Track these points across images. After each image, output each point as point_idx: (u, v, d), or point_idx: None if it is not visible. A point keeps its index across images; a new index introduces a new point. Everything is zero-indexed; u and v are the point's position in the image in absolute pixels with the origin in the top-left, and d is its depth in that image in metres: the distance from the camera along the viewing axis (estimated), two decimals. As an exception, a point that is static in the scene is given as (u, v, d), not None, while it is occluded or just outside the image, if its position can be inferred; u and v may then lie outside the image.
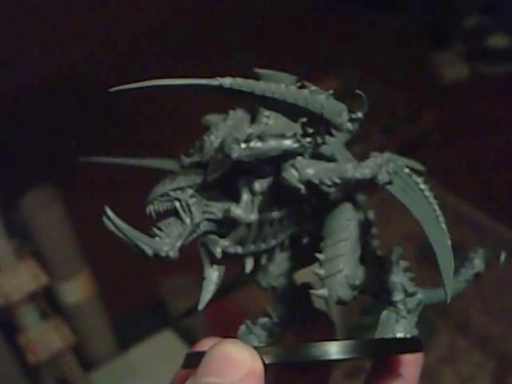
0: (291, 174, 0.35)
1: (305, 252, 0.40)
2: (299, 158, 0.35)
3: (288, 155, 0.35)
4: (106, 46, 2.26)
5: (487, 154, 1.80)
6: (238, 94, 0.31)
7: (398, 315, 0.38)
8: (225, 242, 0.37)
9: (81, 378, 1.13)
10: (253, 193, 0.36)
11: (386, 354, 0.36)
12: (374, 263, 0.39)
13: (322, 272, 0.37)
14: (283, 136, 0.35)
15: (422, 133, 1.87)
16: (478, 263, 0.43)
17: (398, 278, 0.38)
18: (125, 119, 2.06)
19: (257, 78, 0.35)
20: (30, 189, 1.15)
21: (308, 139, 0.35)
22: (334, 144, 0.38)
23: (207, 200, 0.36)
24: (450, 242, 0.33)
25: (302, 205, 0.38)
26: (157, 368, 1.21)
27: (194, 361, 0.32)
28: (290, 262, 0.40)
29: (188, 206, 0.36)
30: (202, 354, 0.32)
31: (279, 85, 0.32)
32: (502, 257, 0.43)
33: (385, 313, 0.38)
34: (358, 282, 0.37)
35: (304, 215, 0.39)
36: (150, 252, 0.34)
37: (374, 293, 0.39)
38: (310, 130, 0.35)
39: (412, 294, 0.39)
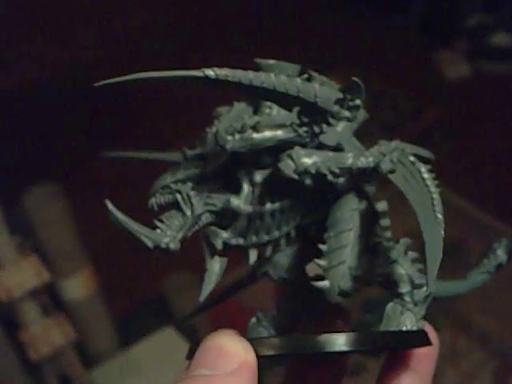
0: (287, 165, 0.34)
1: (314, 243, 0.39)
2: (297, 148, 0.35)
3: (286, 145, 0.35)
4: (107, 44, 2.26)
5: (489, 152, 1.80)
6: (224, 84, 0.31)
7: (403, 307, 0.37)
8: (226, 234, 0.36)
9: (82, 374, 1.13)
10: (253, 184, 0.36)
11: (387, 347, 0.36)
12: (382, 254, 0.38)
13: (324, 263, 0.37)
14: (281, 126, 0.35)
15: (424, 131, 1.87)
16: (500, 254, 0.43)
17: (405, 269, 0.38)
18: (126, 117, 2.06)
19: (259, 68, 0.35)
20: (32, 185, 1.15)
21: (304, 128, 0.35)
22: (341, 133, 0.38)
23: (209, 192, 0.36)
24: (442, 233, 0.32)
25: (305, 196, 0.38)
26: (158, 365, 1.21)
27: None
28: (300, 253, 0.40)
29: (189, 197, 0.36)
30: None
31: (269, 74, 0.32)
32: None
33: (390, 305, 0.38)
34: (361, 274, 0.37)
35: (310, 206, 0.38)
36: (150, 244, 0.34)
37: (382, 284, 0.39)
38: (306, 120, 0.34)
39: (420, 286, 0.38)
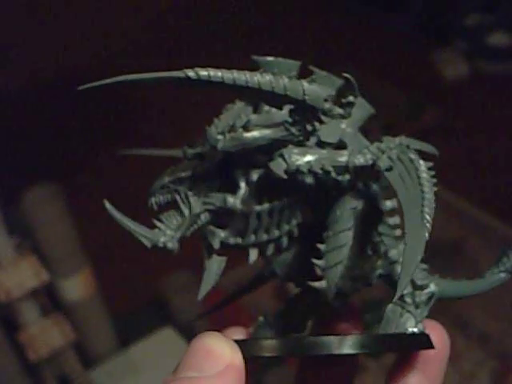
0: (278, 164, 0.34)
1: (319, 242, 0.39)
2: (290, 147, 0.35)
3: (280, 144, 0.35)
4: (107, 44, 2.26)
5: (489, 153, 1.80)
6: (207, 84, 0.30)
7: (403, 309, 0.37)
8: (224, 233, 0.36)
9: (81, 375, 1.13)
10: (250, 183, 0.36)
11: (385, 350, 0.36)
12: (382, 255, 0.38)
13: (321, 263, 0.36)
14: (273, 125, 0.34)
15: (423, 131, 1.87)
16: None
17: None
18: (127, 117, 2.06)
19: (256, 65, 0.35)
20: (30, 185, 1.15)
21: (297, 127, 0.34)
22: (344, 130, 0.37)
23: (207, 191, 0.36)
24: (427, 236, 0.31)
25: (306, 194, 0.37)
26: (157, 365, 1.21)
27: None
28: (306, 252, 0.39)
29: (187, 197, 0.35)
30: None
31: (254, 73, 0.31)
32: None
33: (390, 306, 0.37)
34: (360, 274, 0.36)
35: (313, 204, 0.38)
36: (148, 243, 0.34)
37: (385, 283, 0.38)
38: (297, 118, 0.34)
39: (422, 287, 0.38)
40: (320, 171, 0.34)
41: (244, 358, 0.31)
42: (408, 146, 0.35)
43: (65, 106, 2.03)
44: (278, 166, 0.34)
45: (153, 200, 0.37)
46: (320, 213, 0.38)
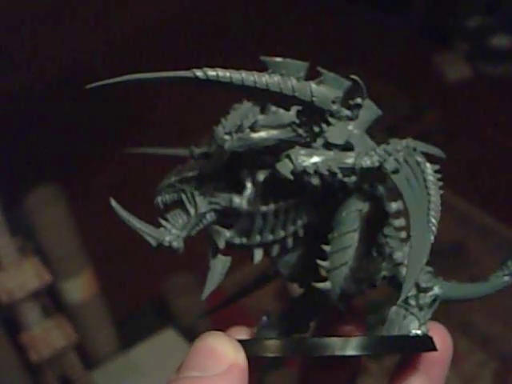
0: (284, 165, 0.34)
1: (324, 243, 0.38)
2: (297, 148, 0.35)
3: (287, 145, 0.35)
4: (107, 44, 2.26)
5: (490, 154, 1.80)
6: (215, 84, 0.31)
7: (407, 311, 0.37)
8: (229, 233, 0.36)
9: (83, 376, 1.13)
10: (256, 183, 0.36)
11: (388, 352, 0.36)
12: (387, 257, 0.38)
13: (326, 264, 0.36)
14: (280, 126, 0.35)
15: (424, 132, 1.87)
16: None
17: None
18: (128, 118, 2.06)
19: (264, 66, 0.35)
20: (33, 187, 1.15)
21: (304, 128, 0.34)
22: (351, 132, 0.37)
23: (213, 191, 0.36)
24: (432, 239, 0.31)
25: (313, 195, 0.37)
26: (159, 367, 1.21)
27: None
28: (311, 253, 0.39)
29: (193, 196, 0.36)
30: None
31: (262, 73, 0.31)
32: None
33: (394, 308, 0.37)
34: (364, 276, 0.36)
35: (319, 206, 0.38)
36: (153, 242, 0.34)
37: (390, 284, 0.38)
38: (305, 119, 0.34)
39: (426, 290, 0.38)
40: (326, 173, 0.34)
41: (247, 357, 0.31)
42: (415, 149, 0.35)
43: (67, 108, 2.03)
44: (285, 167, 0.34)
45: (159, 199, 0.37)
46: (326, 214, 0.38)
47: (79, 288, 1.21)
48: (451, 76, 2.12)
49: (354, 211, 0.37)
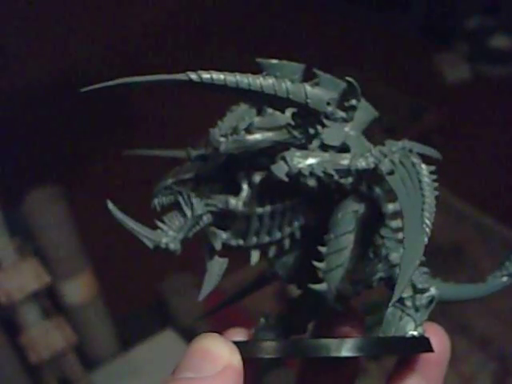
0: (279, 167, 0.34)
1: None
2: (292, 150, 0.35)
3: (282, 147, 0.35)
4: (107, 45, 2.26)
5: (489, 155, 1.80)
6: (209, 87, 0.31)
7: (403, 312, 0.37)
8: (225, 235, 0.36)
9: (82, 377, 1.13)
10: (252, 185, 0.36)
11: (384, 353, 0.36)
12: (383, 258, 0.38)
13: (322, 265, 0.36)
14: (276, 128, 0.35)
15: (423, 133, 1.87)
16: None
17: None
18: (128, 119, 2.06)
19: (260, 68, 0.35)
20: (32, 187, 1.15)
21: (299, 130, 0.34)
22: (347, 133, 0.37)
23: (210, 192, 0.36)
24: (425, 240, 0.31)
25: (309, 196, 0.37)
26: (158, 367, 1.21)
27: None
28: (308, 254, 0.39)
29: (189, 198, 0.36)
30: None
31: (256, 76, 0.32)
32: None
33: (390, 309, 0.37)
34: (361, 277, 0.36)
35: (315, 207, 0.38)
36: (150, 244, 0.34)
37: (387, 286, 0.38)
38: (300, 121, 0.34)
39: (422, 291, 0.38)
40: (322, 174, 0.35)
41: (243, 359, 0.31)
42: (411, 150, 0.35)
43: (67, 108, 2.03)
44: (280, 169, 0.34)
45: (156, 201, 0.37)
46: (322, 215, 0.38)
47: (78, 289, 1.21)
48: (451, 76, 2.12)
49: (350, 212, 0.37)
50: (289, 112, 0.34)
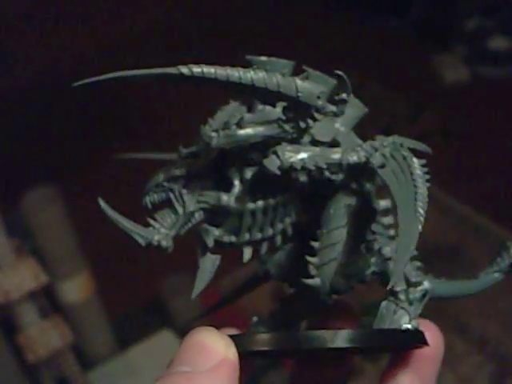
0: (272, 161, 0.34)
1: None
2: (283, 144, 0.35)
3: (273, 141, 0.35)
4: (107, 45, 2.26)
5: (488, 157, 1.80)
6: (200, 81, 0.31)
7: (397, 306, 0.37)
8: (218, 232, 0.36)
9: (80, 376, 1.13)
10: (244, 181, 0.36)
11: (378, 346, 0.35)
12: (376, 252, 0.38)
13: (315, 260, 0.36)
14: (266, 122, 0.35)
15: (422, 135, 1.87)
16: None
17: None
18: (126, 118, 2.06)
19: (250, 65, 0.35)
20: (30, 187, 1.15)
21: (290, 124, 0.34)
22: (338, 129, 0.37)
23: (201, 189, 0.36)
24: (420, 228, 0.31)
25: (300, 192, 0.37)
26: (156, 367, 1.21)
27: None
28: (300, 251, 0.39)
29: (181, 195, 0.36)
30: None
31: (247, 69, 0.32)
32: None
33: (384, 303, 0.37)
34: (354, 271, 0.37)
35: (307, 203, 0.38)
36: (142, 242, 0.34)
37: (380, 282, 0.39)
38: (291, 115, 0.34)
39: (416, 284, 0.38)
40: (313, 168, 0.35)
41: (238, 353, 0.31)
42: (401, 144, 0.35)
43: (64, 108, 2.03)
44: (272, 163, 0.34)
45: (147, 199, 0.37)
46: (313, 211, 0.38)
47: (76, 289, 1.21)
48: (449, 78, 2.12)
49: (343, 207, 0.37)
50: (280, 107, 0.35)
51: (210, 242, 0.36)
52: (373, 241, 0.38)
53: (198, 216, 0.36)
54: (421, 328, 0.37)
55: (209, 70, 0.31)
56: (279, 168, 0.34)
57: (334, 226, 0.37)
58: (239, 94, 0.36)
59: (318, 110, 0.34)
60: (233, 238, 0.37)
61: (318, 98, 0.33)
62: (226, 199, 0.35)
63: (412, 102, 2.00)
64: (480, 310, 1.38)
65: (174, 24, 2.39)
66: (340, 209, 0.37)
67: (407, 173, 0.33)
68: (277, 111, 0.35)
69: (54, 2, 2.33)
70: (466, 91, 2.07)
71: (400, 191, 0.33)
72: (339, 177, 0.36)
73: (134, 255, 1.01)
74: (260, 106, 0.36)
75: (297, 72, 0.37)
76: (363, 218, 0.38)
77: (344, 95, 0.34)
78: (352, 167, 0.35)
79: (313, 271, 0.37)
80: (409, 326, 0.37)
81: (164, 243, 0.35)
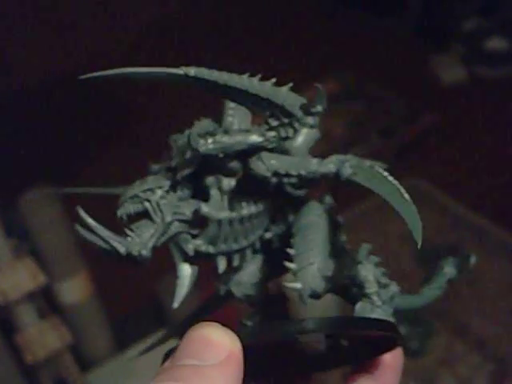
0: (259, 165, 0.36)
1: (276, 259, 0.40)
2: (264, 153, 0.36)
3: (253, 150, 0.36)
4: (107, 45, 2.26)
5: (485, 157, 1.80)
6: (202, 83, 0.33)
7: (373, 305, 0.38)
8: (197, 241, 0.37)
9: (78, 377, 1.13)
10: (221, 190, 0.37)
11: (357, 331, 0.36)
12: (348, 256, 0.39)
13: (293, 266, 0.37)
14: (249, 131, 0.36)
15: (420, 135, 1.87)
16: (449, 271, 0.45)
17: (370, 271, 0.38)
18: (125, 120, 2.06)
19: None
20: (28, 188, 1.15)
21: (272, 133, 0.36)
22: (297, 147, 0.38)
23: (178, 200, 0.37)
24: (415, 208, 0.33)
25: (269, 205, 0.39)
26: (154, 368, 1.21)
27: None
28: (263, 269, 0.40)
29: (158, 205, 0.36)
30: None
31: (242, 76, 0.34)
32: (472, 260, 0.44)
33: (359, 304, 0.38)
34: (331, 275, 0.38)
35: (273, 217, 0.40)
36: (122, 250, 0.34)
37: (345, 288, 0.39)
38: (274, 123, 0.36)
39: (385, 286, 0.39)
40: (295, 173, 0.36)
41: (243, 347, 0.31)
42: (359, 160, 0.37)
43: (64, 109, 2.03)
44: (259, 167, 0.36)
45: (122, 211, 0.37)
46: (276, 228, 0.40)
47: (75, 289, 1.21)
48: (447, 78, 2.12)
49: (313, 216, 0.39)
50: (241, 117, 0.38)
51: (190, 250, 0.37)
52: (342, 247, 0.40)
53: (174, 228, 0.36)
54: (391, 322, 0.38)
55: (210, 73, 0.33)
56: (263, 174, 0.36)
57: (308, 233, 0.38)
58: (234, 99, 0.37)
59: (297, 121, 0.36)
60: (210, 248, 0.37)
61: (300, 108, 0.36)
62: (206, 209, 0.36)
63: (410, 102, 2.00)
64: (480, 310, 1.38)
65: (174, 24, 2.39)
66: (312, 217, 0.39)
67: (380, 177, 0.35)
68: (242, 124, 0.38)
69: (54, 1, 2.33)
70: (464, 91, 2.07)
71: (381, 187, 0.35)
72: (301, 192, 0.39)
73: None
74: (229, 118, 0.38)
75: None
76: (331, 227, 0.39)
77: (319, 107, 0.36)
78: (325, 176, 0.37)
79: (292, 276, 0.38)
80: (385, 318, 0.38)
81: (144, 252, 0.35)
